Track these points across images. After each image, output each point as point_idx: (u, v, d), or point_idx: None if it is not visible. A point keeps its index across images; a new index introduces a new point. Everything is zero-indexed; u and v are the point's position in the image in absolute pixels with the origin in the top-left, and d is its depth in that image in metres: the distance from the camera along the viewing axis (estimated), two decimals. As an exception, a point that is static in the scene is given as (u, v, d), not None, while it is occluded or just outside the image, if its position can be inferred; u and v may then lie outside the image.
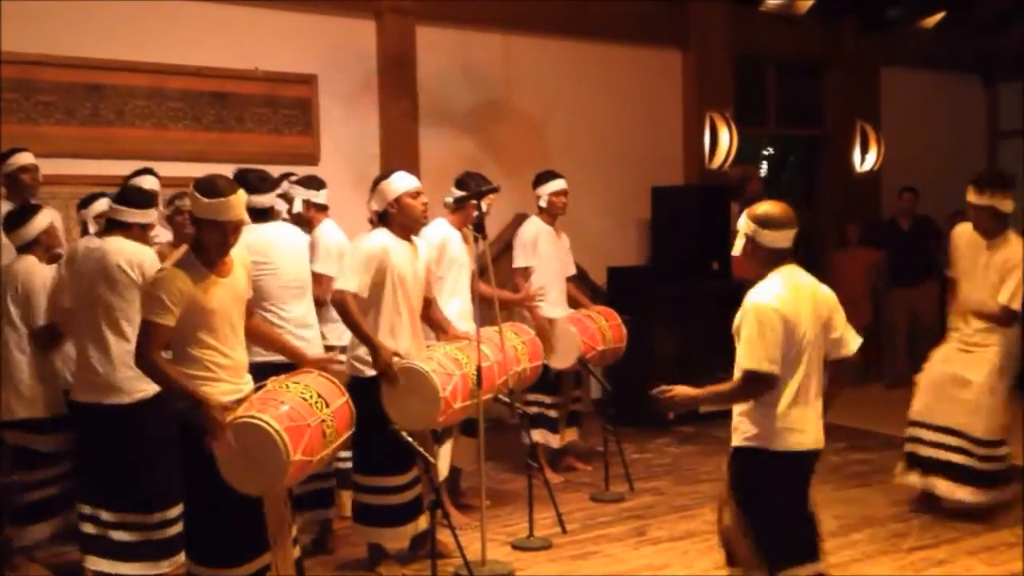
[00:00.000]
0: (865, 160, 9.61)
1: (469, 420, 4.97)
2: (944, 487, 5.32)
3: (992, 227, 5.19)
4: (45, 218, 4.81)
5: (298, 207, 5.34)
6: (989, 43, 10.67)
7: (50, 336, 4.70)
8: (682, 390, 3.57)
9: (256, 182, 4.76)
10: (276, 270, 4.75)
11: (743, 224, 3.56)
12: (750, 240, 3.54)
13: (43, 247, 4.79)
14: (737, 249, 3.62)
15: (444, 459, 5.34)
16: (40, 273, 4.71)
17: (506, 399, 5.08)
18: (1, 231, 4.86)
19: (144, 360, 3.62)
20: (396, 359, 4.49)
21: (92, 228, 4.94)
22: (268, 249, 4.74)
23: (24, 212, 4.86)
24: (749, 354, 3.40)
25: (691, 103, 9.04)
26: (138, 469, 4.34)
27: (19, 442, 4.69)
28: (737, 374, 3.46)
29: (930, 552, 4.91)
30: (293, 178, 5.58)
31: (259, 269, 4.60)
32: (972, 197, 5.18)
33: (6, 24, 5.96)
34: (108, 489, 4.37)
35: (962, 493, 5.26)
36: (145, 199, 4.60)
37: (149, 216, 4.57)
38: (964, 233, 5.37)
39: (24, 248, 4.76)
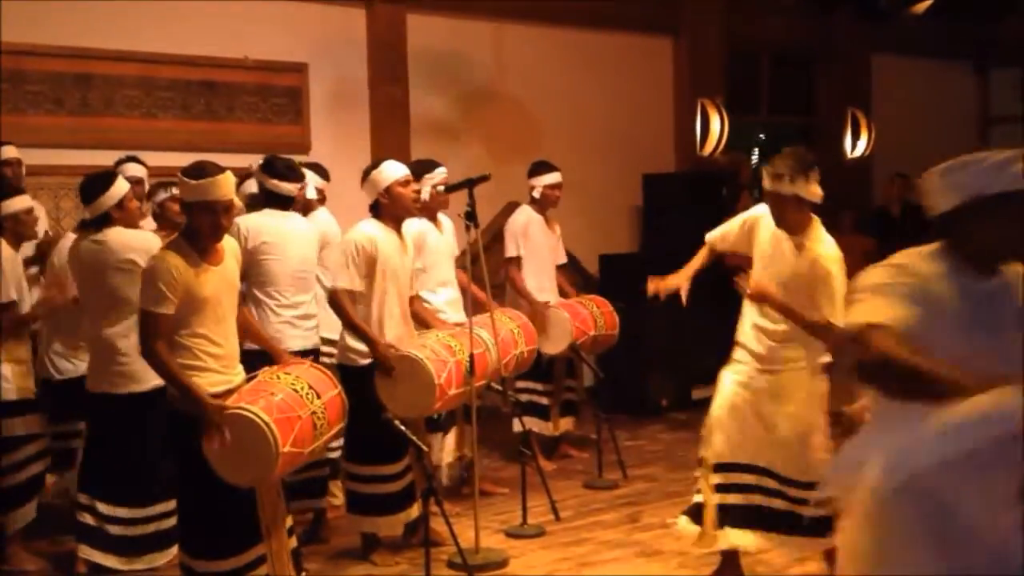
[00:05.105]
0: (856, 146, 9.61)
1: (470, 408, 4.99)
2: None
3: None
4: (17, 203, 4.72)
5: (312, 194, 5.33)
6: (981, 30, 10.67)
7: (16, 320, 4.62)
8: None
9: (283, 169, 4.82)
10: (284, 257, 4.76)
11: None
12: None
13: (10, 232, 4.68)
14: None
15: (449, 446, 5.39)
16: (4, 251, 4.58)
17: (499, 387, 5.09)
18: None
19: (149, 352, 3.62)
20: (392, 350, 4.50)
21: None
22: (280, 236, 4.76)
23: None
24: None
25: (682, 91, 9.03)
26: (146, 457, 4.34)
27: None
28: None
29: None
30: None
31: (268, 253, 4.68)
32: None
33: (-6, 14, 5.92)
34: (113, 479, 4.37)
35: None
36: (101, 181, 4.48)
37: (119, 189, 4.45)
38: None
39: None
